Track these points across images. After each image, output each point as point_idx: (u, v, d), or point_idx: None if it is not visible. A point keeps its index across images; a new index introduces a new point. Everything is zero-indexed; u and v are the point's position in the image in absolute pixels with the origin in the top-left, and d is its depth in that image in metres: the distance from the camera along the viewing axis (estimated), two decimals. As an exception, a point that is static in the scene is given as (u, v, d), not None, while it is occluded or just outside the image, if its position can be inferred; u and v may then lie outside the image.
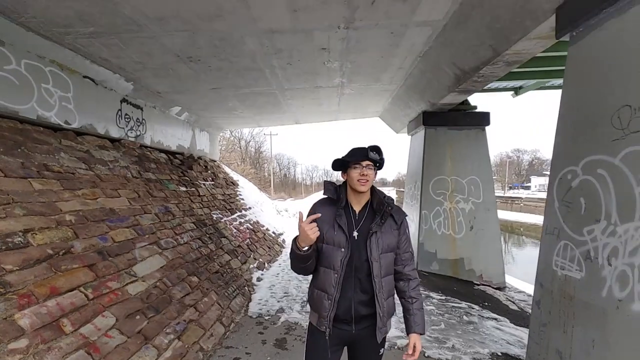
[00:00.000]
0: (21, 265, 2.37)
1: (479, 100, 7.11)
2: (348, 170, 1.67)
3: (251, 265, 5.84)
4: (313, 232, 1.53)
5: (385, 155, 1.68)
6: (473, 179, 6.87)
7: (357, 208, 1.70)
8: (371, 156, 1.62)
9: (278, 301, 4.58)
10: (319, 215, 1.61)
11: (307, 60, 5.18)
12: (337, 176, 1.90)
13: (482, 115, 6.98)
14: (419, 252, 6.92)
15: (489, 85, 7.26)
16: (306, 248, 1.58)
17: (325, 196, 1.74)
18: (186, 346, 2.96)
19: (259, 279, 5.48)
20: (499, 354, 3.34)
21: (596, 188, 2.38)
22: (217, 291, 4.13)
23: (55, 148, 4.02)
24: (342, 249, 1.61)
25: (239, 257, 5.70)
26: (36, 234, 2.67)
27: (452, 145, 7.01)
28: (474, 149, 6.94)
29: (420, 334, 1.68)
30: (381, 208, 1.66)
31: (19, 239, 2.52)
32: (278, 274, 5.96)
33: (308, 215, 1.65)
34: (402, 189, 31.04)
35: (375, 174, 1.67)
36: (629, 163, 2.13)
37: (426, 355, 3.26)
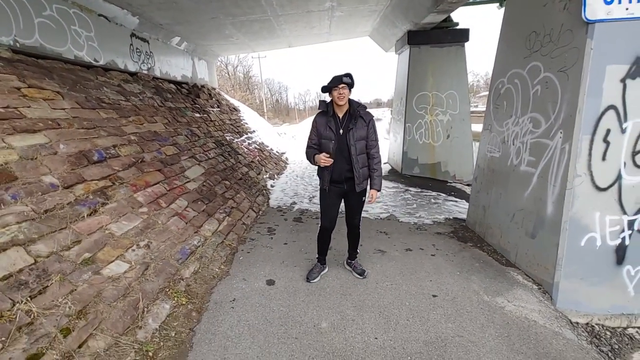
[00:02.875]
0: (121, 167, 3.50)
1: (465, 16, 7.61)
2: (331, 92, 2.72)
3: (264, 176, 7.11)
4: (323, 164, 2.70)
5: (356, 79, 2.73)
6: (451, 93, 7.78)
7: (340, 115, 2.80)
8: (344, 80, 2.66)
9: (290, 198, 5.94)
10: (332, 161, 2.70)
11: (299, -12, 5.66)
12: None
13: (461, 32, 7.56)
14: (403, 159, 8.18)
15: (472, -1, 7.68)
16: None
17: (320, 110, 2.83)
18: (234, 220, 4.30)
19: (272, 186, 6.79)
20: (451, 217, 4.77)
21: (512, 93, 3.43)
22: (244, 191, 5.42)
23: (97, 84, 4.85)
24: (332, 141, 2.76)
25: (254, 170, 6.93)
26: (120, 149, 3.75)
27: (434, 62, 7.74)
28: (453, 65, 7.69)
29: (377, 190, 2.88)
30: (354, 113, 2.74)
31: (113, 151, 3.61)
32: (286, 182, 7.27)
33: (313, 124, 2.85)
34: (394, 108, 31.25)
35: (350, 91, 2.72)
36: (530, 73, 3.15)
37: (400, 221, 4.67)
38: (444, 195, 6.14)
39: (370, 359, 2.04)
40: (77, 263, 2.23)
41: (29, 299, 1.82)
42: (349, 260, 3.25)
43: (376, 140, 2.86)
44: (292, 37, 9.48)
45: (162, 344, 2.10)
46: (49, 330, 1.76)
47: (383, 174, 8.25)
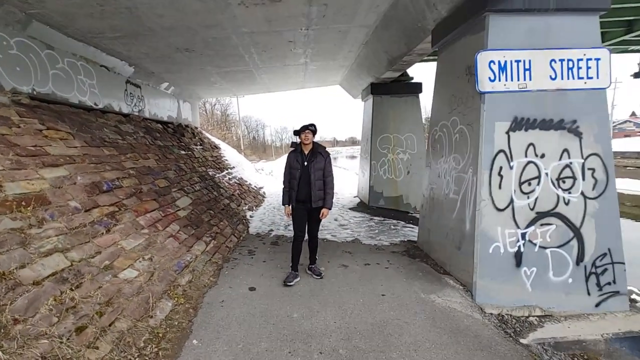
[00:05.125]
0: (125, 196, 4.13)
1: (426, 68, 8.92)
2: (300, 134, 3.74)
3: (244, 207, 7.78)
4: (287, 216, 3.82)
5: (317, 127, 3.81)
6: (410, 135, 8.99)
7: (306, 152, 3.79)
8: (309, 128, 3.73)
9: (268, 226, 6.61)
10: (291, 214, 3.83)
11: (278, 49, 6.78)
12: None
13: (416, 85, 8.95)
14: (369, 193, 9.13)
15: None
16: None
17: (292, 148, 3.81)
18: (218, 243, 4.93)
19: (251, 216, 7.45)
20: (405, 240, 5.63)
21: (442, 138, 4.47)
22: (227, 220, 6.07)
23: (98, 125, 5.53)
24: (298, 170, 3.72)
25: (235, 202, 7.60)
26: (122, 181, 4.40)
27: (394, 109, 9.00)
28: (410, 112, 8.98)
29: (328, 208, 3.84)
30: (315, 151, 3.73)
31: (117, 182, 4.25)
32: (264, 213, 7.95)
33: (287, 158, 3.81)
34: (367, 147, 33.48)
35: (314, 135, 3.74)
36: (452, 125, 4.20)
37: (363, 243, 5.46)
38: (402, 222, 7.04)
39: (329, 335, 2.73)
40: (100, 268, 2.83)
41: (71, 289, 2.41)
42: (310, 266, 4.08)
43: (331, 171, 3.86)
44: (271, 85, 10.64)
45: (168, 329, 2.70)
46: (88, 312, 2.36)
47: (353, 206, 9.20)
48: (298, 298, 3.42)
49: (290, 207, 3.90)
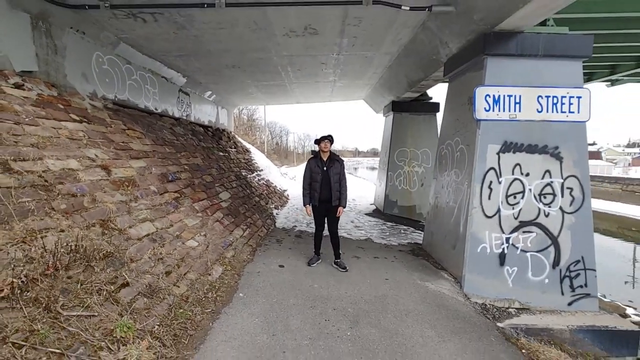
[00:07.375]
0: (183, 186, 5.15)
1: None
2: (320, 143, 4.58)
3: (271, 206, 8.74)
4: (309, 215, 4.59)
5: (335, 137, 4.67)
6: (425, 150, 9.73)
7: (324, 159, 4.60)
8: (328, 137, 4.57)
9: (292, 223, 7.52)
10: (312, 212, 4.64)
11: (311, 69, 7.76)
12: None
13: (434, 105, 9.72)
14: (385, 201, 9.90)
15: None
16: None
17: (312, 156, 4.65)
18: (252, 232, 5.87)
19: (277, 214, 8.39)
20: (412, 242, 6.37)
21: (447, 155, 5.24)
22: (258, 214, 7.02)
23: (159, 126, 6.65)
24: (320, 174, 4.53)
25: (263, 200, 8.57)
26: (180, 174, 5.43)
27: (412, 126, 9.78)
28: (427, 129, 9.73)
29: (343, 206, 4.62)
30: (332, 158, 4.57)
31: (177, 175, 5.29)
32: (289, 212, 8.87)
33: (307, 165, 4.64)
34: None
35: (331, 144, 4.58)
36: (455, 144, 4.98)
37: (374, 242, 6.25)
38: (412, 229, 7.77)
39: (341, 300, 3.57)
40: (173, 236, 3.80)
41: (160, 247, 3.38)
42: (335, 260, 4.83)
43: (344, 175, 4.69)
44: (301, 97, 11.67)
45: (221, 284, 3.62)
46: (170, 263, 3.31)
47: (369, 212, 9.99)
48: (318, 275, 4.28)
49: (312, 206, 4.69)
